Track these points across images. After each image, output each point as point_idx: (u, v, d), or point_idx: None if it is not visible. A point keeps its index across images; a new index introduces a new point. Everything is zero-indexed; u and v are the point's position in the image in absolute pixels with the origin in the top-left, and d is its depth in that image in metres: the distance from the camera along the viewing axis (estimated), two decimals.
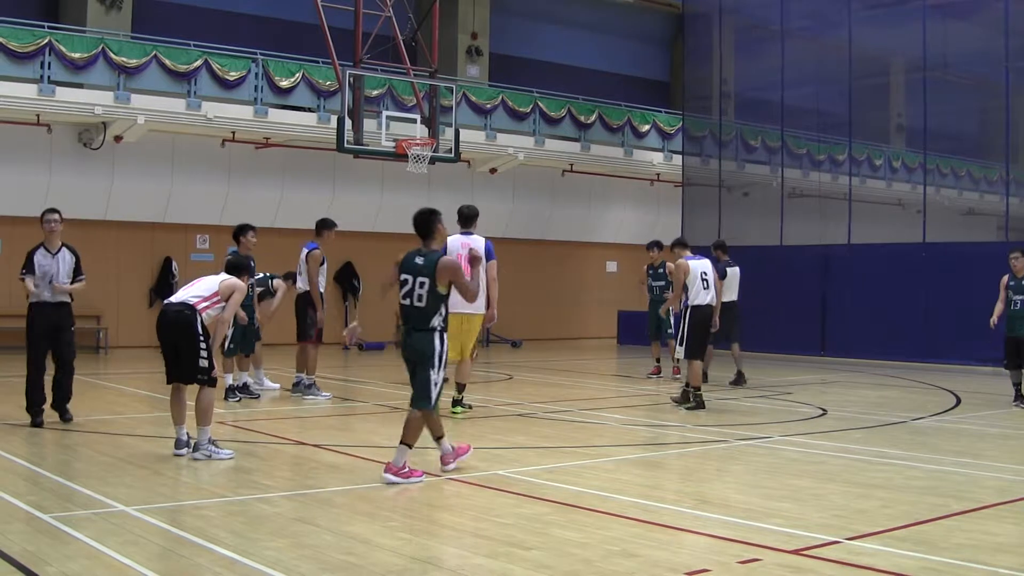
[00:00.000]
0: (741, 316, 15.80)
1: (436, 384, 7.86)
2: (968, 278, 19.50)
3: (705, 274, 12.80)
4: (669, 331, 16.49)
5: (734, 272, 15.80)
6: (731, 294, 15.52)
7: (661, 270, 16.74)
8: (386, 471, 7.78)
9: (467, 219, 12.18)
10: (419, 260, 7.91)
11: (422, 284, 7.82)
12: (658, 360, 17.13)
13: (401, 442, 7.83)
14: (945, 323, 19.35)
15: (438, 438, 8.17)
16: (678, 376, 16.23)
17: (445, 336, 7.96)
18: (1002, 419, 12.44)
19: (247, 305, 13.49)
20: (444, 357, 7.91)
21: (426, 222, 8.04)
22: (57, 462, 8.33)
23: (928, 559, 5.79)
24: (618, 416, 12.40)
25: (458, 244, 11.67)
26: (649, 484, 8.17)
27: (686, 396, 12.80)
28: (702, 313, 12.73)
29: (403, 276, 7.95)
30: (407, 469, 7.79)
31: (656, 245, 16.97)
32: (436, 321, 7.87)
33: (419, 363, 7.87)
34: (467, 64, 26.03)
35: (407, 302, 7.90)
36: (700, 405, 12.53)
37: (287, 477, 8.26)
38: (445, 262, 7.90)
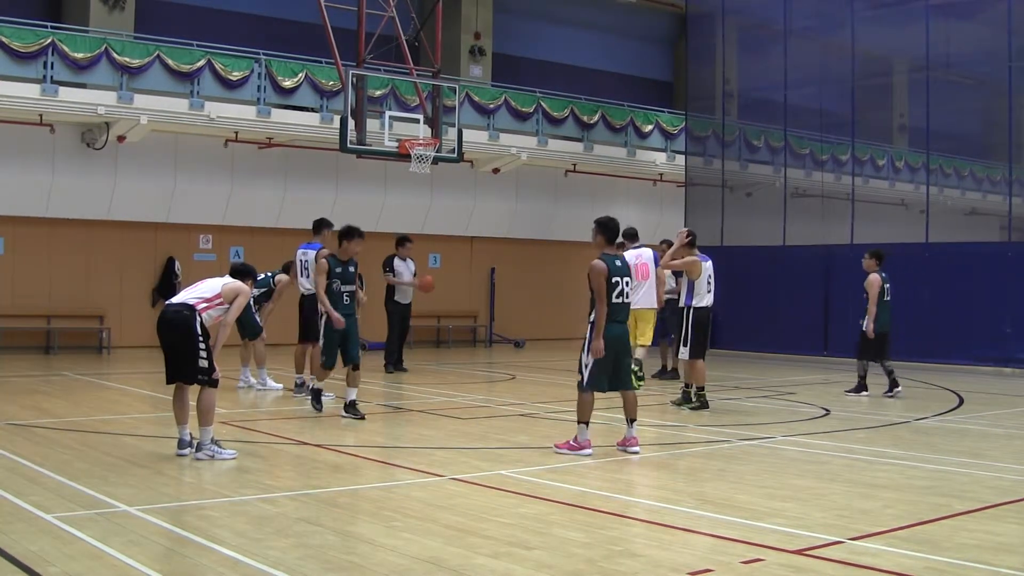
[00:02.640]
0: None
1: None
2: (971, 278, 19.50)
3: (711, 277, 12.78)
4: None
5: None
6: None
7: None
8: (623, 444, 9.37)
9: (630, 236, 14.54)
10: (619, 263, 9.35)
11: (628, 283, 9.34)
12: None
13: (630, 420, 9.42)
14: (948, 323, 19.34)
15: (631, 420, 9.46)
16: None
17: None
18: (1005, 419, 12.44)
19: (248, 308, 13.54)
20: None
21: (624, 231, 9.65)
22: (59, 462, 8.33)
23: (931, 559, 5.79)
24: (621, 416, 12.39)
25: (633, 257, 13.64)
26: (652, 484, 8.17)
27: (687, 397, 12.79)
28: (704, 314, 12.73)
29: (614, 279, 9.22)
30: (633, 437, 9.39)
31: (622, 246, 17.24)
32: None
33: (627, 352, 9.37)
34: (470, 64, 26.03)
35: (620, 300, 9.25)
36: (704, 405, 12.53)
37: (290, 477, 8.27)
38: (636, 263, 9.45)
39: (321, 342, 11.41)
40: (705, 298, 12.71)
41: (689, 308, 12.72)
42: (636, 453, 9.29)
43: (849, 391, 14.67)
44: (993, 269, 19.43)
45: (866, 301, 14.48)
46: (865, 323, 14.38)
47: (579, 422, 9.24)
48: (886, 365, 14.44)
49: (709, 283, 12.75)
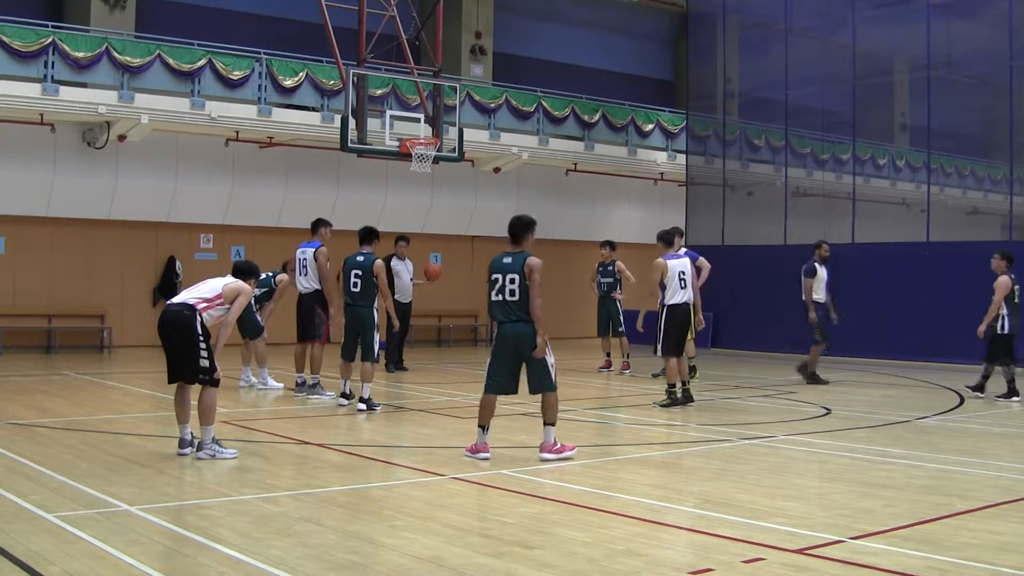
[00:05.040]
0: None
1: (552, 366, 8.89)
2: (972, 277, 19.46)
3: (683, 273, 12.76)
4: (620, 329, 17.61)
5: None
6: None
7: (611, 267, 17.73)
8: (542, 451, 8.81)
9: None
10: (508, 260, 9.11)
11: (512, 280, 9.00)
12: (608, 355, 17.94)
13: (545, 423, 8.84)
14: (949, 322, 19.31)
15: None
16: (627, 371, 17.32)
17: None
18: (1006, 418, 12.43)
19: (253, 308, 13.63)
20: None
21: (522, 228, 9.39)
22: (61, 461, 8.33)
23: (932, 558, 5.78)
24: (622, 415, 12.41)
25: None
26: (653, 483, 8.16)
27: (687, 395, 12.80)
28: (678, 312, 12.72)
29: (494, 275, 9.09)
30: (559, 446, 8.84)
31: (608, 244, 17.91)
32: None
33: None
34: (471, 63, 26.03)
35: (499, 298, 9.03)
36: (675, 402, 12.56)
37: (291, 476, 8.27)
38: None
39: (379, 343, 12.16)
40: (676, 295, 12.69)
41: (663, 307, 12.79)
42: (546, 460, 8.76)
43: (972, 387, 14.31)
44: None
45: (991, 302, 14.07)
46: (995, 325, 13.91)
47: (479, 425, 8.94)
48: (1009, 371, 13.98)
49: (682, 280, 12.73)
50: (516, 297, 8.97)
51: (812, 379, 15.86)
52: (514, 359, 8.95)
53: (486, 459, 8.74)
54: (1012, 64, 20.20)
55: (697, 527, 6.58)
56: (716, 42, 25.59)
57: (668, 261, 12.81)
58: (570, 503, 7.17)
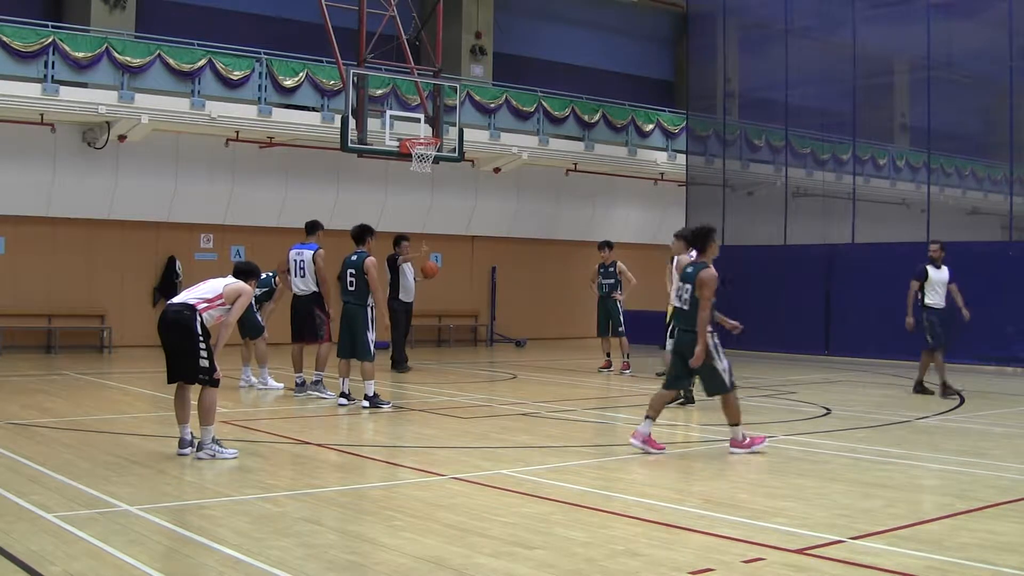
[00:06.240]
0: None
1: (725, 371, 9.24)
2: (972, 278, 19.48)
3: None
4: (620, 329, 17.57)
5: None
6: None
7: (611, 269, 17.67)
8: (731, 446, 9.28)
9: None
10: (689, 269, 9.28)
11: (687, 290, 9.28)
12: (608, 355, 17.87)
13: (729, 424, 9.34)
14: (949, 323, 19.31)
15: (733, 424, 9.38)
16: (627, 371, 17.28)
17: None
18: (1006, 418, 12.44)
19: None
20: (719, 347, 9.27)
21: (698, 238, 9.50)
22: (61, 461, 8.33)
23: (932, 558, 5.78)
24: (622, 415, 12.40)
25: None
26: (653, 483, 8.16)
27: (688, 395, 12.82)
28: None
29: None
30: (747, 440, 9.30)
31: (607, 245, 17.85)
32: None
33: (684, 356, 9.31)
34: (471, 63, 26.03)
35: (682, 306, 9.33)
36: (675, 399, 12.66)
37: (291, 476, 8.27)
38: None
39: (375, 338, 12.35)
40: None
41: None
42: (735, 454, 9.28)
43: None
44: (994, 268, 19.42)
45: None
46: None
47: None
48: None
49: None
50: (687, 307, 9.25)
51: (945, 392, 14.13)
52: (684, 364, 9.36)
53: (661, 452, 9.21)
54: (1012, 64, 20.20)
55: (697, 527, 6.57)
56: (716, 42, 25.60)
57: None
58: (570, 503, 7.17)
